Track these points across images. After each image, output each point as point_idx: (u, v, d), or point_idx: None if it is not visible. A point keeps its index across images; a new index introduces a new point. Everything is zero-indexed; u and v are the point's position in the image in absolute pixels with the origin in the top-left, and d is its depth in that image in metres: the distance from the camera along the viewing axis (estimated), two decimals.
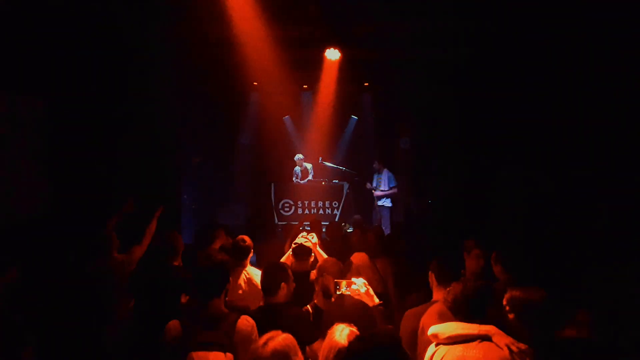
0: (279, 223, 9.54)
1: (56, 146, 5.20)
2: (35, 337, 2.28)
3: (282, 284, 2.95)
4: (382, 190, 9.11)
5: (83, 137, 5.21)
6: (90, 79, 5.28)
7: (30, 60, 4.66)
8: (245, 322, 2.40)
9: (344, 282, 2.80)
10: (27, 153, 5.02)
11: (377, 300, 2.70)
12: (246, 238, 3.81)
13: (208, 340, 2.29)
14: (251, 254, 3.81)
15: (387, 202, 9.16)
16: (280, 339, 1.92)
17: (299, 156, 10.28)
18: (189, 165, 8.86)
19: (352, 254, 4.70)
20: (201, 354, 2.25)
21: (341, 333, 2.11)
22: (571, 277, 3.69)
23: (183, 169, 8.20)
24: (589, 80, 4.57)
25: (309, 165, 10.30)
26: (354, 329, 2.17)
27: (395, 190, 9.06)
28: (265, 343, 1.89)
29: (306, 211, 9.79)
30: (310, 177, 10.25)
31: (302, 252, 3.86)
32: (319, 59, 7.73)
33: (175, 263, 3.76)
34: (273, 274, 2.99)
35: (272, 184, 9.86)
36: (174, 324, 2.40)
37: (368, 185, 9.35)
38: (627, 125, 4.20)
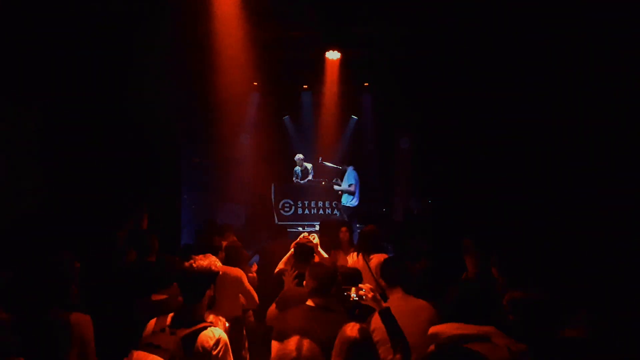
0: (279, 223, 9.56)
1: (55, 146, 5.20)
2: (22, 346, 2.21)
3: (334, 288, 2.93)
4: (339, 186, 8.94)
5: (82, 138, 5.21)
6: (89, 79, 5.28)
7: (29, 60, 4.66)
8: (211, 334, 2.29)
9: (353, 289, 2.79)
10: (27, 153, 5.02)
11: (384, 304, 2.68)
12: (216, 239, 4.06)
13: (155, 342, 2.24)
14: (222, 255, 3.88)
15: (350, 201, 8.77)
16: (306, 342, 1.93)
17: (299, 156, 10.29)
18: (189, 165, 8.86)
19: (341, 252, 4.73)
20: (142, 354, 2.21)
21: (352, 328, 2.16)
22: (571, 277, 3.68)
23: (183, 169, 8.19)
24: (587, 80, 4.57)
25: (309, 165, 10.32)
26: (363, 325, 2.22)
27: (352, 188, 8.64)
28: (300, 353, 1.88)
29: (306, 211, 9.81)
30: (310, 177, 10.26)
31: (303, 252, 3.84)
32: (320, 59, 7.74)
33: (151, 259, 3.93)
34: (327, 276, 2.90)
35: (272, 184, 9.87)
36: (150, 323, 2.39)
37: (334, 180, 9.24)
38: (628, 125, 4.20)
